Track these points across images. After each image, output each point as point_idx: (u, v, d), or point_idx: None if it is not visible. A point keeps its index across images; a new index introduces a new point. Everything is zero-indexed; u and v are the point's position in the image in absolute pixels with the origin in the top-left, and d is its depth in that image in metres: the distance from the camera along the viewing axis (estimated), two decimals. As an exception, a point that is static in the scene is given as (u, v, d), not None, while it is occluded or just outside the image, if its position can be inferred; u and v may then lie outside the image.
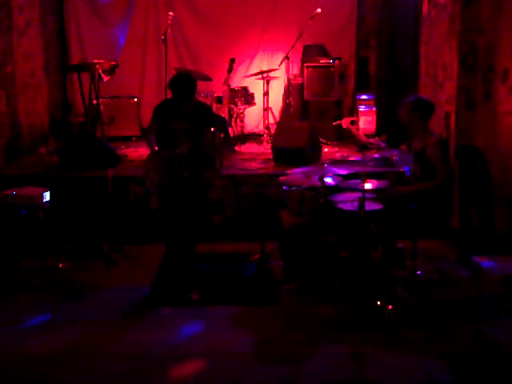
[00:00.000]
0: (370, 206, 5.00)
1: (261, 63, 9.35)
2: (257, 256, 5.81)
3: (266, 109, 8.64)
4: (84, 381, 3.98)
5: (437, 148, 5.11)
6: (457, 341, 4.33)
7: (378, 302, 4.72)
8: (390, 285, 4.99)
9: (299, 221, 5.43)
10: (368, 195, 4.99)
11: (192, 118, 5.42)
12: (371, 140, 8.18)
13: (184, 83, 5.43)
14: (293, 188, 5.50)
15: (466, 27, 6.01)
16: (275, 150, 7.35)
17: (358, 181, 5.02)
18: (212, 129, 5.66)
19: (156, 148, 5.43)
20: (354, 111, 9.03)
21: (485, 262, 5.26)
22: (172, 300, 5.12)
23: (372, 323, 4.59)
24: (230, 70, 8.58)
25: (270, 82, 8.66)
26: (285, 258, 5.50)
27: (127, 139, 8.69)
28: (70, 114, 9.26)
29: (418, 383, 3.91)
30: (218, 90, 8.75)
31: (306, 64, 8.96)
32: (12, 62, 7.54)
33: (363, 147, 7.92)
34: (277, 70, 8.74)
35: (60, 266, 5.72)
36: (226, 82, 8.53)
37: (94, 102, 7.85)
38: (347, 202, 5.18)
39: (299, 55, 9.30)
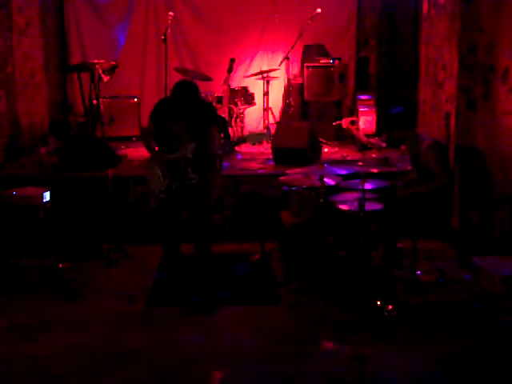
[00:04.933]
0: (370, 206, 5.00)
1: (261, 63, 9.35)
2: (257, 256, 5.82)
3: (266, 109, 8.64)
4: (84, 382, 3.98)
5: (430, 152, 5.07)
6: (457, 341, 4.33)
7: (378, 302, 4.72)
8: (389, 285, 4.99)
9: (299, 221, 5.43)
10: (368, 195, 4.99)
11: (195, 118, 5.25)
12: (371, 140, 8.20)
13: (188, 90, 5.27)
14: (293, 188, 5.50)
15: (465, 27, 6.01)
16: (275, 150, 7.34)
17: (357, 181, 5.02)
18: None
19: (156, 148, 5.36)
20: (354, 111, 9.03)
21: (485, 262, 5.26)
22: (172, 300, 5.12)
23: (372, 323, 4.59)
24: (229, 70, 8.58)
25: (270, 82, 8.67)
26: (285, 258, 5.50)
27: (127, 139, 8.68)
28: (69, 113, 9.25)
29: (418, 383, 3.92)
30: (218, 90, 8.74)
31: (306, 64, 8.95)
32: (12, 61, 7.54)
33: (363, 147, 7.93)
34: (277, 69, 8.74)
35: (60, 265, 5.71)
36: (226, 82, 8.53)
37: (94, 101, 7.84)
38: (347, 201, 5.18)
39: (299, 55, 9.29)
